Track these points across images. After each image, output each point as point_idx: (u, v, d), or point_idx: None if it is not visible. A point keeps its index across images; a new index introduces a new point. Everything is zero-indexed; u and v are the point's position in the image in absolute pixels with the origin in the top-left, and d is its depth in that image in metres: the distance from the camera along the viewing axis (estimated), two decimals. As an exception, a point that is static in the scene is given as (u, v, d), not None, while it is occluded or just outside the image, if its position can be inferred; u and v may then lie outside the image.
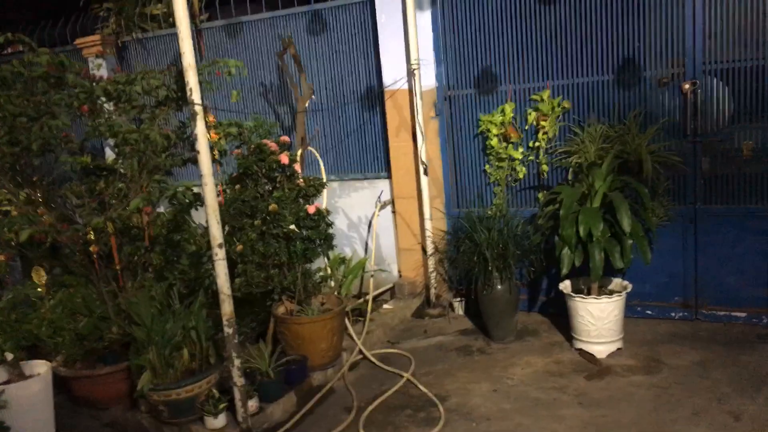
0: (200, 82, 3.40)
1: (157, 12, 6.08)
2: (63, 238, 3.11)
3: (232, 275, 3.96)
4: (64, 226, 3.13)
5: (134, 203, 3.12)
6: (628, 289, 4.19)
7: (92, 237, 3.19)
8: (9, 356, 3.43)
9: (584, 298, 4.10)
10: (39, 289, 3.46)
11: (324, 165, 5.25)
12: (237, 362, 3.32)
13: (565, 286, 4.34)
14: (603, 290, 4.32)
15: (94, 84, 3.23)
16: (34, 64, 3.11)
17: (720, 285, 4.44)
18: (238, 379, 3.34)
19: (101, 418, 3.77)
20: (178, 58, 4.82)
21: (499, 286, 4.41)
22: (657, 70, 4.39)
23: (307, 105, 4.86)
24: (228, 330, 3.27)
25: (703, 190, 4.39)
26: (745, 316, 4.40)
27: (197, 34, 3.08)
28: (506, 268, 4.37)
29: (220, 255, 3.22)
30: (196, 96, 3.06)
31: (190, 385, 3.40)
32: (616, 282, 4.36)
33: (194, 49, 3.13)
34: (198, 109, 3.05)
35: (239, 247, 3.84)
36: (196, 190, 3.60)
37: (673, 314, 4.60)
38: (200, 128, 3.08)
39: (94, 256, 3.31)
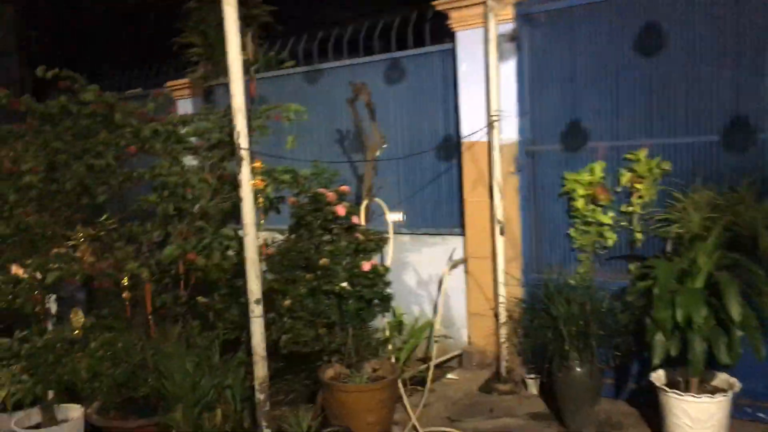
0: (256, 127, 3.24)
1: (244, 57, 6.13)
2: (97, 283, 2.97)
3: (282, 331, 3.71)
4: (98, 268, 3.00)
5: (169, 251, 2.95)
6: (736, 389, 3.51)
7: (126, 282, 3.04)
8: (50, 395, 3.32)
9: (681, 394, 3.47)
10: (75, 332, 3.35)
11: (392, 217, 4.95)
12: (267, 432, 3.00)
13: (658, 377, 3.71)
14: (704, 386, 3.65)
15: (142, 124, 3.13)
16: (82, 103, 3.06)
17: None
18: (267, 452, 3.01)
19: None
20: (260, 102, 4.73)
21: (577, 369, 3.85)
22: (775, 132, 3.78)
23: (378, 154, 4.61)
24: (259, 396, 2.98)
25: (833, 273, 3.66)
26: None
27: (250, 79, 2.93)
28: (587, 349, 3.82)
29: (256, 312, 2.96)
30: (243, 140, 2.87)
31: (217, 451, 3.12)
32: (721, 378, 3.67)
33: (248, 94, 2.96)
34: (244, 154, 2.85)
35: (287, 303, 3.57)
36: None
37: (792, 420, 3.83)
38: (245, 174, 2.88)
39: (126, 302, 3.16)
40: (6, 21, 10.03)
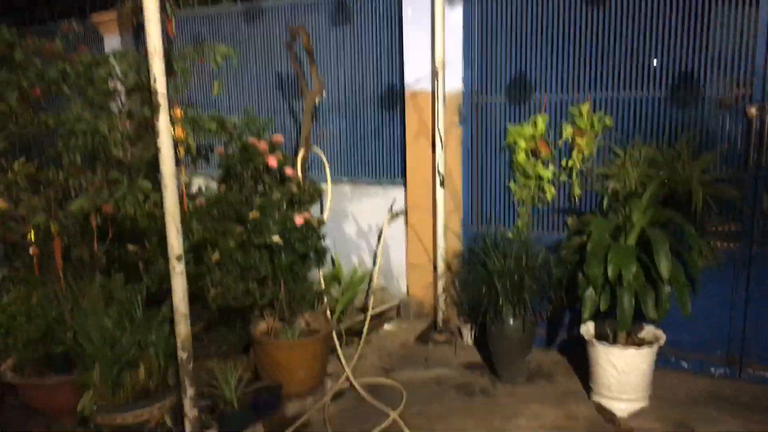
0: (178, 70, 3.01)
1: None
2: (3, 235, 2.77)
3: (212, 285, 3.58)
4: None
5: (77, 203, 2.75)
6: (661, 342, 3.60)
7: (32, 237, 2.84)
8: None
9: (607, 346, 3.53)
10: (-16, 288, 3.16)
11: (334, 167, 4.81)
12: (190, 391, 2.91)
13: (587, 329, 3.77)
14: (632, 338, 3.73)
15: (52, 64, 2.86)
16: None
17: (772, 343, 3.80)
18: (190, 411, 2.93)
19: (51, 429, 3.43)
20: (192, 41, 4.40)
21: (510, 322, 3.88)
22: (719, 90, 3.76)
23: (317, 101, 4.41)
24: (182, 354, 2.87)
25: (762, 231, 3.75)
26: (799, 384, 3.75)
27: (167, 17, 2.68)
28: (520, 303, 3.83)
29: (177, 268, 2.81)
30: (159, 85, 2.65)
31: (138, 410, 3.02)
32: (648, 330, 3.76)
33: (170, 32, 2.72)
34: (161, 100, 2.64)
35: (216, 257, 3.43)
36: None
37: (712, 370, 3.97)
38: (163, 123, 2.67)
39: (34, 257, 2.97)
40: None
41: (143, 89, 3.02)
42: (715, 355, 3.97)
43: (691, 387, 3.85)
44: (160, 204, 2.91)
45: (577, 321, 4.14)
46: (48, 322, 3.21)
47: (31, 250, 2.96)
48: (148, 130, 3.11)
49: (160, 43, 2.64)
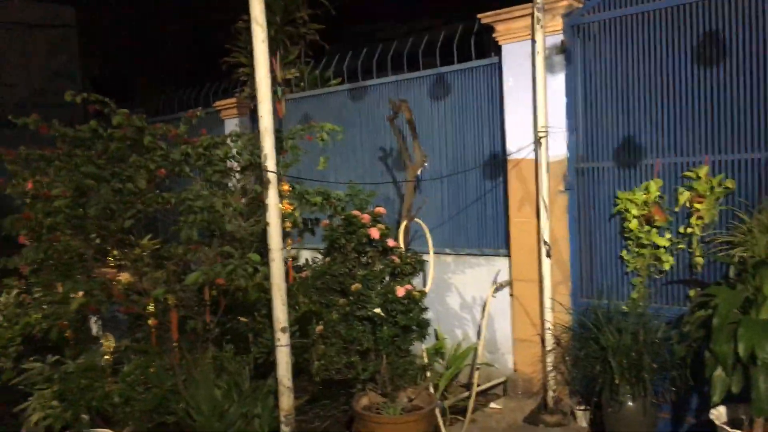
0: (288, 148, 3.17)
1: (290, 76, 6.15)
2: (122, 309, 2.96)
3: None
4: (119, 295, 2.98)
5: (193, 276, 2.90)
6: (809, 432, 3.16)
7: (152, 309, 3.01)
8: (84, 418, 3.33)
9: (744, 436, 3.15)
10: (105, 357, 3.35)
11: (436, 238, 4.79)
12: (292, 466, 2.89)
13: (719, 414, 3.40)
14: (772, 426, 3.31)
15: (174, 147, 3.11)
16: (113, 126, 3.07)
17: None
18: (290, 488, 2.90)
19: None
20: (303, 120, 4.67)
21: (629, 404, 3.58)
22: None
23: (419, 173, 4.47)
24: (284, 428, 2.88)
25: None
26: None
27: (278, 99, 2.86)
28: (639, 383, 3.54)
29: (282, 340, 2.87)
30: (269, 163, 2.80)
31: (244, 483, 3.03)
32: (792, 418, 3.32)
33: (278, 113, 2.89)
34: (271, 177, 2.78)
35: (319, 328, 3.47)
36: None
37: None
38: (271, 198, 2.81)
39: (152, 328, 3.13)
40: (70, 44, 10.51)
41: (256, 167, 3.20)
42: None
43: None
44: (269, 276, 3.02)
45: (705, 404, 3.75)
46: (163, 392, 3.35)
47: (150, 322, 3.14)
48: (259, 205, 3.27)
49: (271, 123, 2.81)
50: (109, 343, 3.35)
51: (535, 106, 4.44)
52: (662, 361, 3.62)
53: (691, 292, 3.96)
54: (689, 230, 3.94)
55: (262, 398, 3.21)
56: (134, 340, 3.55)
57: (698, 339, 3.51)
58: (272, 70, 2.79)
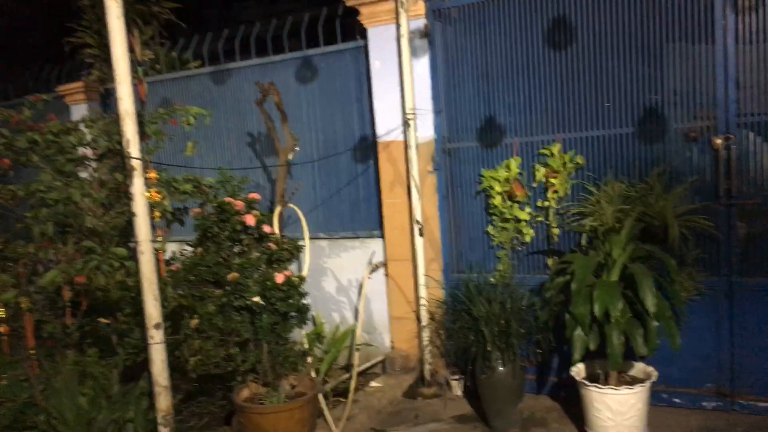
0: (151, 133, 2.96)
1: (145, 58, 5.75)
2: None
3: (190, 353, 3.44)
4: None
5: (48, 276, 2.64)
6: (653, 378, 3.55)
7: (2, 314, 2.70)
8: None
9: (601, 388, 3.47)
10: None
11: (310, 222, 4.74)
12: (173, 469, 2.75)
13: (578, 371, 3.72)
14: (623, 377, 3.68)
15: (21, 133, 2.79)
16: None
17: (761, 371, 3.77)
18: (173, 490, 2.76)
19: None
20: (162, 105, 4.39)
21: (500, 369, 3.79)
22: (684, 123, 3.85)
23: (291, 157, 4.39)
24: (163, 430, 2.72)
25: (740, 260, 3.78)
26: (793, 411, 3.72)
27: (139, 80, 2.66)
28: (509, 348, 3.77)
29: (156, 338, 2.70)
30: (133, 149, 2.59)
31: (118, 494, 2.83)
32: (638, 367, 3.72)
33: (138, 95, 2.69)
34: (135, 164, 2.58)
35: (194, 322, 3.31)
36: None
37: (705, 404, 3.93)
38: (137, 186, 2.61)
39: (4, 336, 2.82)
40: None
41: (115, 154, 2.96)
42: (706, 388, 3.93)
43: (686, 423, 3.79)
44: (134, 272, 2.82)
45: (567, 363, 4.08)
46: (18, 406, 3.02)
47: (1, 329, 2.81)
48: (121, 195, 3.03)
49: (132, 106, 2.60)
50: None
51: (402, 89, 4.52)
52: (528, 327, 3.88)
53: (550, 261, 4.27)
54: (546, 204, 4.24)
55: (134, 401, 3.01)
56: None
57: (559, 303, 3.80)
58: (131, 49, 2.58)
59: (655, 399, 3.81)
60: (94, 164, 3.12)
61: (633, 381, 3.61)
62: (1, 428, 3.01)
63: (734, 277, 3.79)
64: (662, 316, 3.39)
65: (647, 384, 3.50)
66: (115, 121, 2.91)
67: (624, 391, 3.43)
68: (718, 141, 3.76)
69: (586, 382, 3.54)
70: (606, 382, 3.56)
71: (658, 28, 3.83)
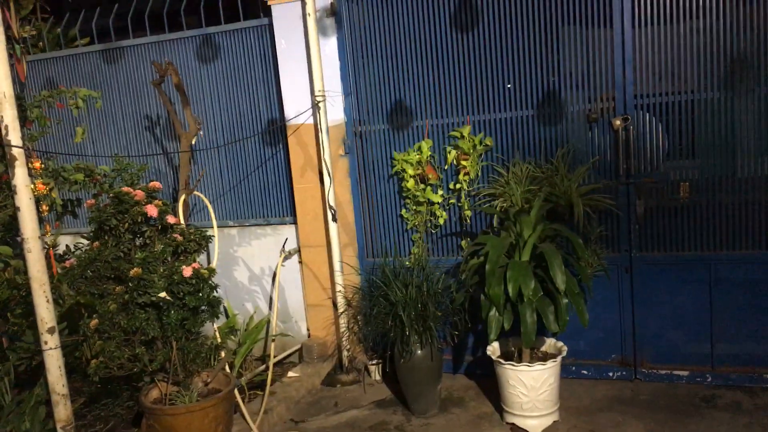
0: (34, 118, 2.67)
1: (26, 35, 5.23)
2: None
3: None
4: None
5: None
6: (564, 353, 3.68)
7: None
8: None
9: (515, 366, 3.55)
10: None
11: (218, 210, 4.55)
12: (76, 483, 2.54)
13: (493, 350, 3.79)
14: (536, 353, 3.79)
15: None
16: None
17: (660, 340, 4.02)
18: (78, 505, 2.55)
19: None
20: (47, 86, 4.00)
21: (418, 352, 3.80)
22: (584, 105, 3.98)
23: (194, 142, 4.16)
24: (63, 441, 2.49)
25: (639, 235, 3.98)
26: (688, 375, 3.98)
27: (16, 59, 2.38)
28: (426, 331, 3.78)
29: (51, 343, 2.46)
30: (13, 136, 2.32)
31: None
32: (550, 343, 3.84)
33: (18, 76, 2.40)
34: (17, 152, 2.31)
35: (94, 322, 3.07)
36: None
37: (611, 374, 4.14)
38: (20, 178, 2.35)
39: None
40: None
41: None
42: (612, 358, 4.14)
43: (594, 393, 3.97)
44: (22, 270, 2.55)
45: (482, 342, 4.17)
46: None
47: None
48: (2, 187, 2.73)
49: (11, 88, 2.32)
50: None
51: (310, 70, 4.38)
52: (444, 309, 3.91)
53: (463, 243, 4.32)
54: (458, 186, 4.27)
55: (30, 411, 2.75)
56: None
57: (473, 285, 3.85)
58: (7, 25, 2.29)
59: (564, 372, 3.96)
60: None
61: (545, 356, 3.73)
62: None
63: (634, 252, 3.99)
64: (571, 293, 3.50)
65: (558, 359, 3.61)
66: None
67: (537, 367, 3.52)
68: (617, 122, 3.91)
69: (501, 361, 3.62)
70: (520, 360, 3.65)
71: (559, 10, 3.90)
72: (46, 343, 2.45)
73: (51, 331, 2.45)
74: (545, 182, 3.93)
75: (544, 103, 4.05)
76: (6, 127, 2.31)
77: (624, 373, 4.10)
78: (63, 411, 2.49)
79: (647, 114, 3.90)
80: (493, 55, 4.09)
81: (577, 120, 4.00)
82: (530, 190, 3.95)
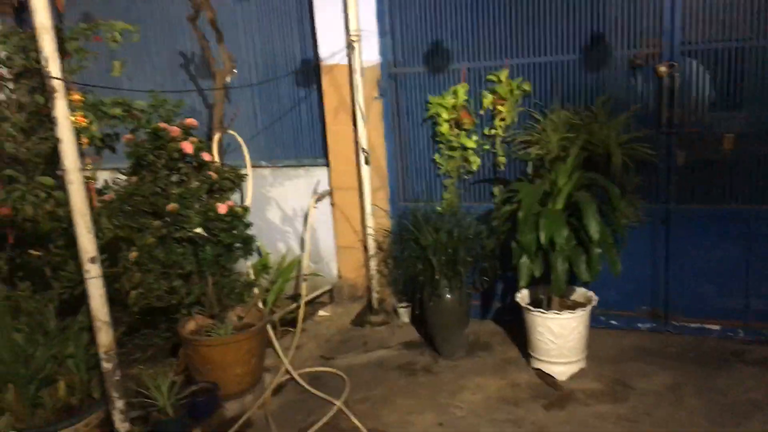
0: (72, 51, 2.69)
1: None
2: None
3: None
4: None
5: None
6: (594, 302, 3.68)
7: None
8: None
9: (544, 313, 3.56)
10: None
11: (251, 150, 4.55)
12: (119, 404, 2.68)
13: (523, 297, 3.80)
14: (565, 301, 3.79)
15: None
16: None
17: (693, 294, 3.97)
18: (121, 425, 2.70)
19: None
20: (83, 21, 4.00)
21: (447, 296, 3.84)
22: (629, 50, 3.83)
23: (228, 80, 4.14)
24: (106, 365, 2.62)
25: (677, 187, 3.89)
26: (719, 330, 3.95)
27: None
28: (456, 276, 3.80)
29: (92, 272, 2.54)
30: (53, 67, 2.34)
31: (62, 430, 2.73)
32: (580, 292, 3.84)
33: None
34: (57, 84, 2.34)
35: (133, 255, 3.16)
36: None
37: (640, 325, 4.13)
38: (60, 110, 2.38)
39: None
40: None
41: (33, 74, 2.68)
42: (642, 310, 4.12)
43: (622, 343, 3.98)
44: (64, 202, 2.62)
45: (511, 289, 4.18)
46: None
47: None
48: (43, 120, 2.77)
49: (49, 18, 2.33)
50: None
51: (345, 9, 4.29)
52: (475, 255, 3.91)
53: (496, 190, 4.28)
54: (493, 131, 4.20)
55: (74, 337, 2.88)
56: None
57: (505, 231, 3.84)
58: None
59: (594, 322, 3.94)
60: (10, 85, 2.82)
61: (574, 305, 3.72)
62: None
63: (671, 204, 3.91)
64: (604, 243, 3.47)
65: (588, 308, 3.62)
66: (32, 36, 2.61)
67: (566, 315, 3.53)
68: (663, 69, 3.77)
69: (530, 308, 3.63)
70: (549, 307, 3.66)
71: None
72: (88, 272, 2.53)
73: (93, 260, 2.53)
74: (583, 130, 3.83)
75: (587, 47, 3.92)
76: (46, 58, 2.33)
77: (654, 325, 4.09)
78: (105, 337, 2.60)
79: (694, 61, 3.74)
80: (536, -3, 3.94)
81: (620, 66, 3.86)
82: (567, 138, 3.85)
